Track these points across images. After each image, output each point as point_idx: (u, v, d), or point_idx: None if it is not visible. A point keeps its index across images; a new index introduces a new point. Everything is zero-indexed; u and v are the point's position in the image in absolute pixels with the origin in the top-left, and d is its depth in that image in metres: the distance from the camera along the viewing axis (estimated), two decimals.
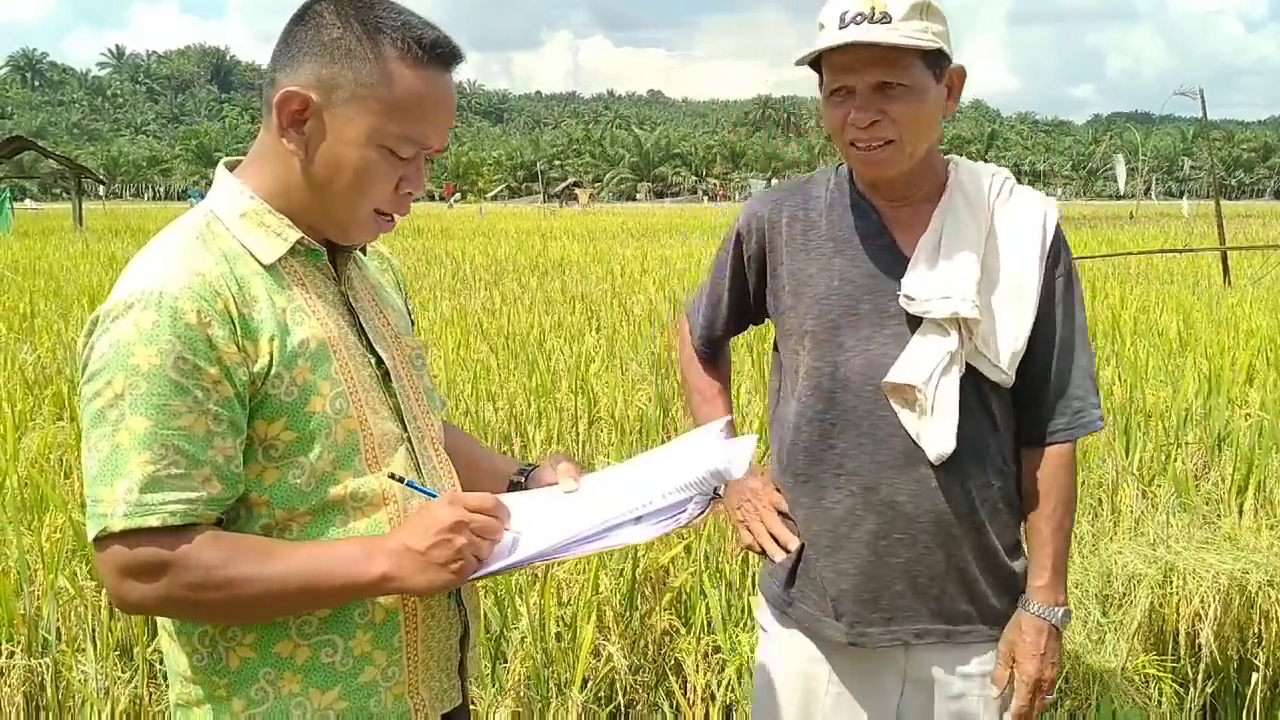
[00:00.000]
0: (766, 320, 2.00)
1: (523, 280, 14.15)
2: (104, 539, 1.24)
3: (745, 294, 1.98)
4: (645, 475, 1.47)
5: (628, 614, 3.32)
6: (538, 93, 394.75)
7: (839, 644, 1.85)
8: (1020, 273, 1.80)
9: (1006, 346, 1.79)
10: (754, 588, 3.33)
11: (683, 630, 3.30)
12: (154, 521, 1.22)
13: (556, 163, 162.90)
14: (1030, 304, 1.80)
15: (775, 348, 1.99)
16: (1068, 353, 1.84)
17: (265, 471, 1.32)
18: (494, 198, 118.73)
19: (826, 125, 1.79)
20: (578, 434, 5.26)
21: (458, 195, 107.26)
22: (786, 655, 1.93)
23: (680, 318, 2.14)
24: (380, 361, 1.44)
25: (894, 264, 1.81)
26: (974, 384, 1.78)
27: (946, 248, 1.79)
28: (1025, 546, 1.90)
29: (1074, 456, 1.88)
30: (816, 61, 1.76)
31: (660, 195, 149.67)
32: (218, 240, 1.34)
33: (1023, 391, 1.84)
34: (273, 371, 1.30)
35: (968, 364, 1.77)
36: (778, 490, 1.91)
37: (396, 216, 1.42)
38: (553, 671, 3.05)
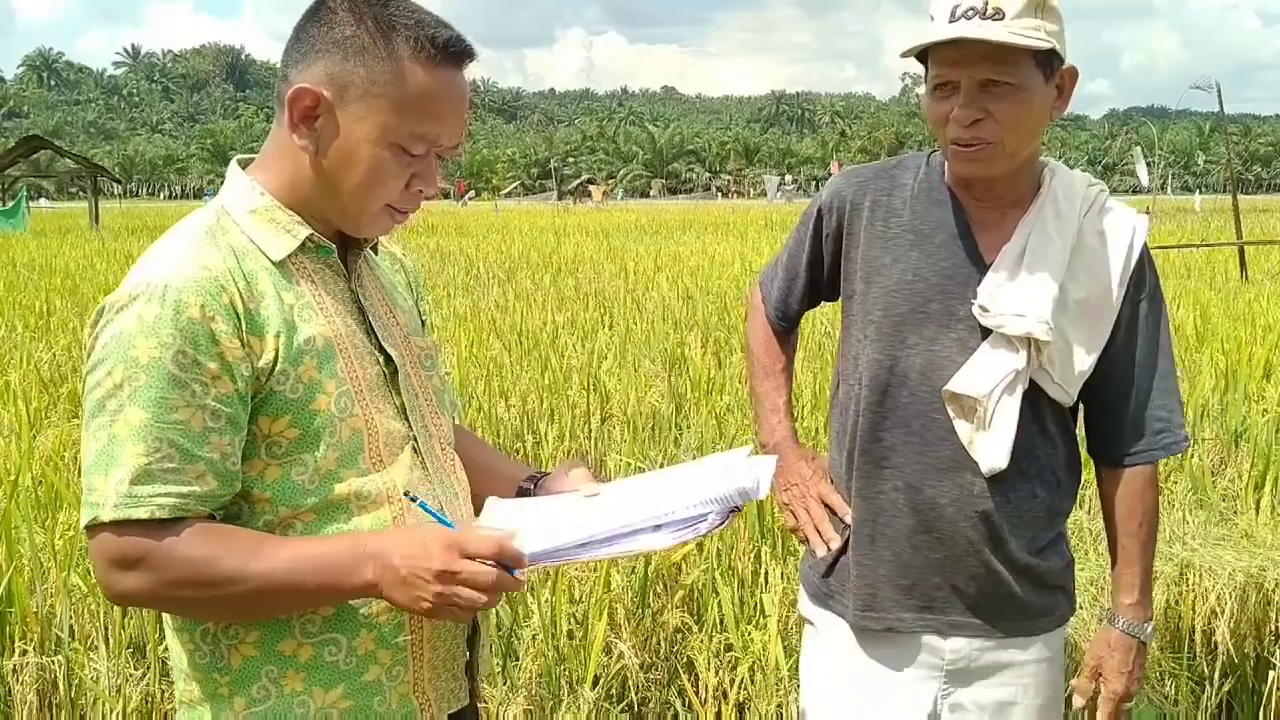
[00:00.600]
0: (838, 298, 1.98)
1: (536, 277, 14.15)
2: (94, 528, 1.25)
3: (820, 270, 1.96)
4: (668, 487, 1.46)
5: (640, 611, 3.31)
6: (551, 90, 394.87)
7: (876, 632, 1.84)
8: (1099, 295, 1.77)
9: (1072, 368, 1.76)
10: (766, 585, 3.32)
11: (695, 628, 3.29)
12: (142, 514, 1.23)
13: (570, 160, 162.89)
14: (1105, 328, 1.77)
15: (843, 330, 1.95)
16: (1148, 375, 1.81)
17: (268, 469, 1.32)
18: (508, 195, 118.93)
19: (929, 119, 1.75)
20: (590, 431, 5.25)
21: (471, 193, 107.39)
22: (829, 644, 1.92)
23: (753, 287, 2.12)
24: (389, 360, 1.43)
25: (971, 266, 1.77)
26: (1032, 397, 1.75)
27: (1030, 261, 1.74)
28: (1112, 562, 1.90)
29: (1156, 476, 1.88)
30: (924, 54, 1.71)
31: (674, 192, 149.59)
32: (227, 236, 1.35)
33: (1097, 411, 1.84)
34: (278, 368, 1.30)
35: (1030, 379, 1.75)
36: (830, 481, 1.92)
37: (407, 213, 1.42)
38: (564, 669, 3.05)
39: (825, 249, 1.92)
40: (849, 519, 1.86)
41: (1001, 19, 1.60)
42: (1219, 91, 15.47)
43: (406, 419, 1.43)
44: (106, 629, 3.16)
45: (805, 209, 1.98)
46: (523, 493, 1.62)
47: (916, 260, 1.79)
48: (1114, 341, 1.78)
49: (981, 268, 1.76)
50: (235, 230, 1.35)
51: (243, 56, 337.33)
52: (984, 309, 1.73)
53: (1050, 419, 1.79)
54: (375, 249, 1.55)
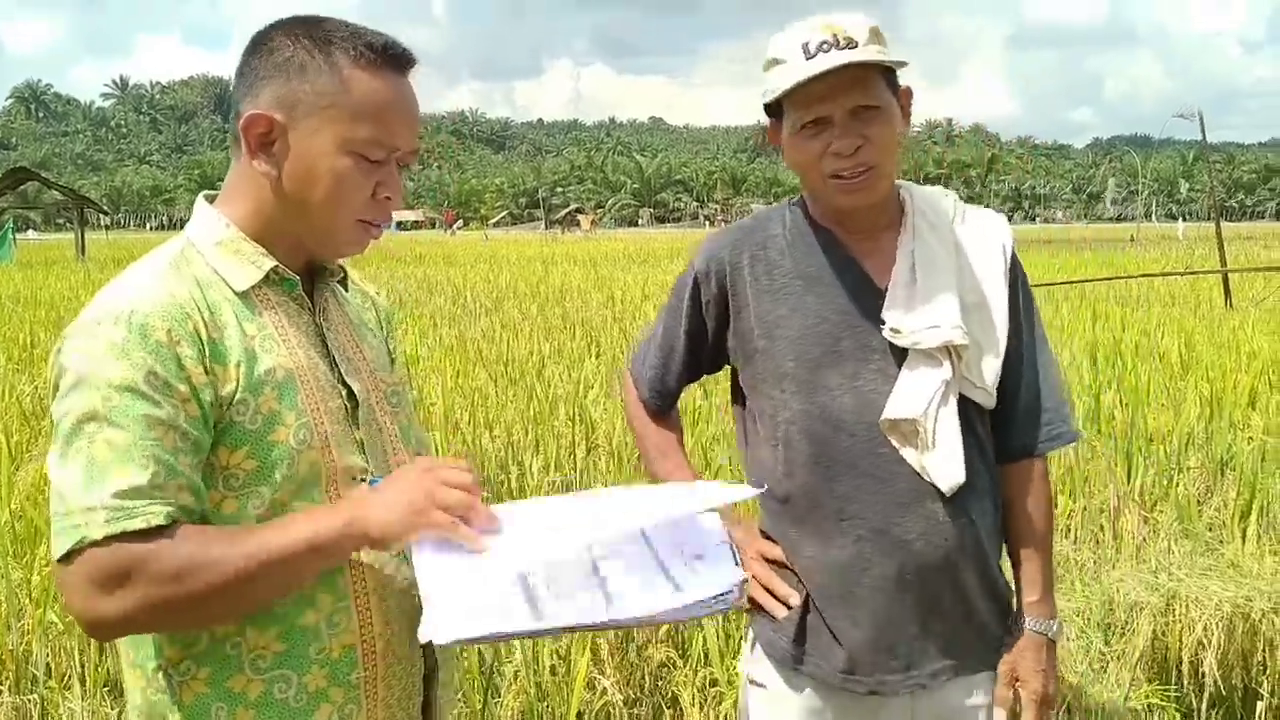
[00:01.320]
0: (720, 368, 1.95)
1: (523, 307, 14.15)
2: (77, 552, 1.20)
3: (703, 341, 1.90)
4: (651, 505, 1.43)
5: (624, 646, 3.28)
6: (539, 120, 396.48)
7: (859, 695, 1.78)
8: (989, 296, 1.80)
9: (989, 368, 1.77)
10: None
11: (680, 662, 3.26)
12: (138, 523, 1.20)
13: (559, 189, 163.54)
14: (1002, 324, 1.80)
15: (735, 395, 1.93)
16: (1035, 367, 1.85)
17: (224, 501, 1.30)
18: (496, 224, 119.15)
19: (797, 162, 1.74)
20: (575, 462, 5.22)
21: (459, 222, 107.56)
22: (791, 711, 1.85)
23: (624, 376, 2.05)
24: (352, 394, 1.43)
25: (869, 297, 1.77)
26: (961, 407, 1.75)
27: (923, 275, 1.76)
28: (1012, 563, 1.89)
29: (1048, 470, 1.90)
30: (774, 102, 1.72)
31: (662, 220, 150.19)
32: (191, 267, 1.35)
33: (999, 410, 1.82)
34: (238, 397, 1.29)
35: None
36: (766, 537, 1.85)
37: (381, 225, 1.43)
38: (547, 706, 3.01)
39: (707, 316, 1.87)
40: (795, 566, 1.81)
41: (855, 48, 1.64)
42: (1201, 120, 15.62)
43: (363, 453, 1.42)
44: (83, 667, 3.11)
45: (675, 282, 1.92)
46: None
47: (814, 304, 1.77)
48: (1010, 338, 1.81)
49: (878, 295, 1.76)
50: (200, 261, 1.36)
51: (231, 88, 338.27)
52: (896, 331, 1.72)
53: (979, 426, 1.79)
54: (345, 285, 1.55)
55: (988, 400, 1.78)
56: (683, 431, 2.05)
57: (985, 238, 1.83)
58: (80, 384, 1.23)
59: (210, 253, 1.37)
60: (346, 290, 1.56)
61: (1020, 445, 1.85)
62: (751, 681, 1.90)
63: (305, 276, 1.45)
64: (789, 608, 1.78)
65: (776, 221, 1.87)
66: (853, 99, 1.66)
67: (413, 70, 1.40)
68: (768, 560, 1.83)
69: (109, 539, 1.19)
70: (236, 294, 1.35)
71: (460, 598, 1.25)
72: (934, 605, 1.76)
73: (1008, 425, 1.85)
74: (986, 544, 1.80)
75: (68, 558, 1.20)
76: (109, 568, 1.20)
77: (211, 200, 1.45)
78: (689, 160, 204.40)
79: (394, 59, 1.37)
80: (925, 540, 1.73)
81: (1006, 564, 1.89)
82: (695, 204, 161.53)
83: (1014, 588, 1.88)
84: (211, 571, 1.21)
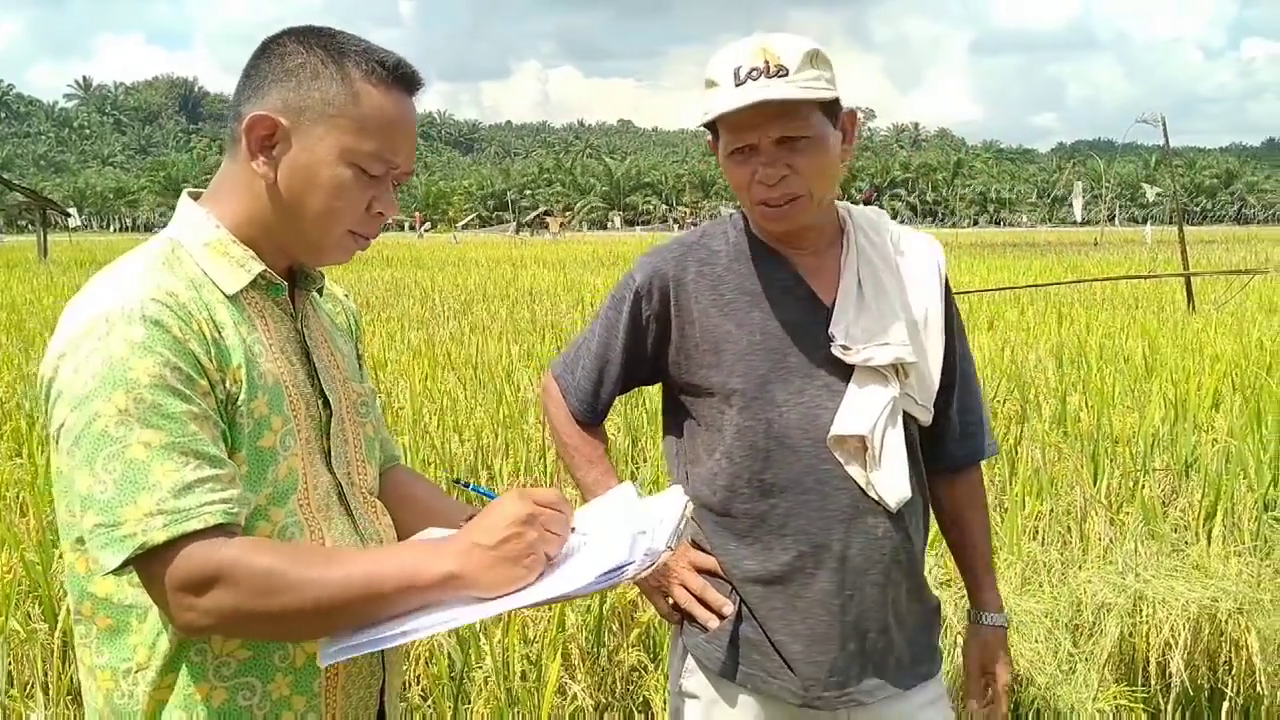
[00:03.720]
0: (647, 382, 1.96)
1: (492, 309, 14.10)
2: (145, 558, 1.17)
3: (641, 355, 1.87)
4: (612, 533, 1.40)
5: (595, 651, 3.26)
6: (508, 122, 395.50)
7: (791, 706, 1.80)
8: (928, 313, 1.83)
9: (929, 386, 1.82)
10: None
11: (651, 667, 3.25)
12: (196, 525, 1.17)
13: (527, 192, 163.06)
14: (940, 341, 1.84)
15: (670, 409, 1.92)
16: (967, 382, 1.93)
17: None
18: (465, 227, 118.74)
19: (731, 183, 1.75)
20: (545, 466, 5.20)
21: (427, 225, 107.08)
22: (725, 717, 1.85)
23: (546, 380, 2.03)
24: (327, 404, 1.42)
25: (815, 313, 1.78)
26: (905, 426, 1.78)
27: (869, 292, 1.78)
28: (961, 565, 2.02)
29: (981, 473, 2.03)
30: (712, 121, 1.73)
31: (631, 223, 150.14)
32: (183, 266, 1.33)
33: (933, 425, 1.87)
34: (240, 399, 1.28)
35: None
36: (698, 548, 1.85)
37: (369, 238, 1.42)
38: (517, 711, 3.00)
39: (648, 331, 1.85)
40: (727, 576, 1.82)
41: (786, 75, 1.63)
42: (1164, 125, 15.80)
43: (328, 466, 1.41)
44: (46, 675, 3.06)
45: (612, 293, 1.90)
46: None
47: (760, 319, 1.78)
48: (949, 353, 1.86)
49: (823, 311, 1.78)
50: (190, 262, 1.34)
51: (195, 89, 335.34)
52: (846, 348, 1.73)
53: (916, 441, 1.83)
54: (320, 291, 1.54)
55: (926, 417, 1.83)
56: (608, 441, 2.04)
57: (922, 257, 1.87)
58: (103, 386, 1.19)
59: (199, 253, 1.35)
60: (321, 296, 1.55)
61: (964, 455, 1.94)
62: (683, 693, 1.89)
63: (288, 281, 1.44)
64: (722, 617, 1.78)
65: (719, 237, 1.87)
66: (777, 129, 1.67)
67: (419, 90, 1.40)
68: (700, 570, 1.83)
69: (171, 544, 1.16)
70: (226, 296, 1.33)
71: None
72: (873, 621, 1.78)
73: (947, 438, 1.92)
74: (919, 558, 1.85)
75: (137, 564, 1.18)
76: (186, 576, 1.17)
77: (195, 198, 1.41)
78: (658, 163, 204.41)
79: (404, 78, 1.37)
80: (864, 555, 1.75)
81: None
82: (665, 207, 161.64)
83: (967, 587, 2.00)
84: (301, 593, 1.19)
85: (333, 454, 1.42)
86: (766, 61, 1.64)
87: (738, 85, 1.65)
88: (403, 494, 1.60)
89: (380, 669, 1.45)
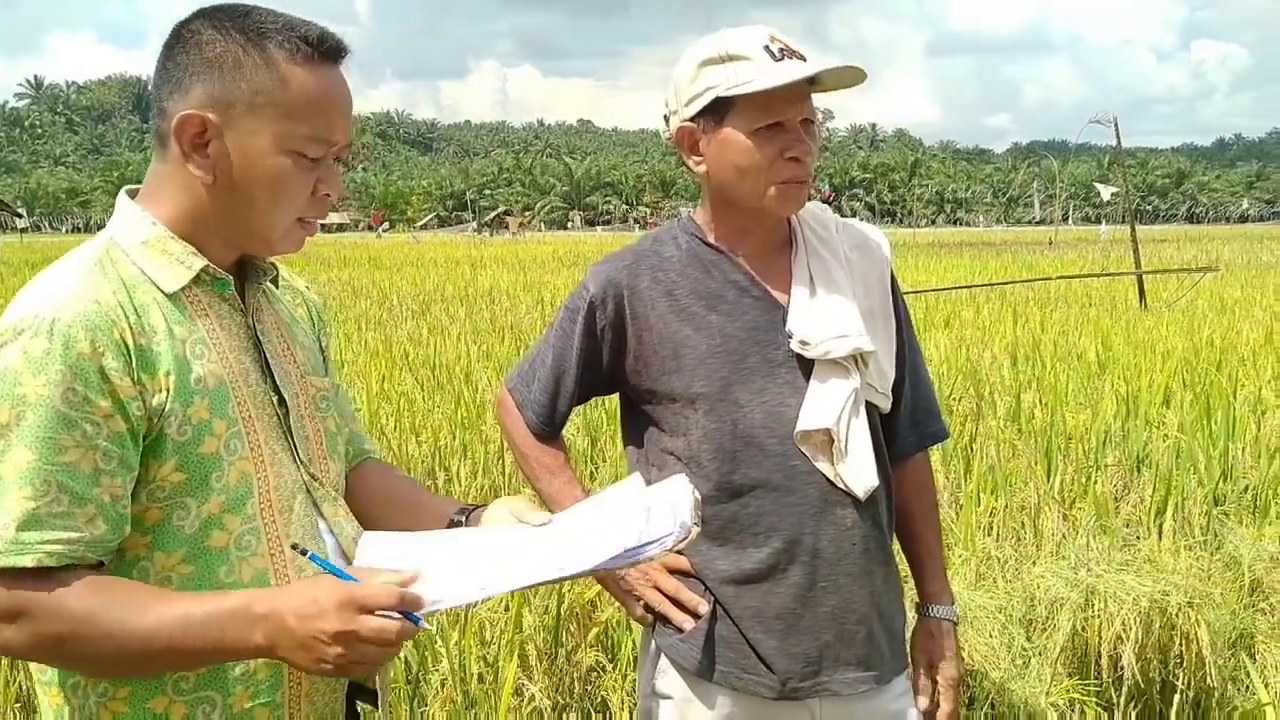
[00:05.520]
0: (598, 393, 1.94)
1: (451, 310, 14.03)
2: None
3: (598, 366, 1.85)
4: (599, 528, 1.42)
5: (552, 651, 3.25)
6: (467, 122, 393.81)
7: (766, 700, 1.79)
8: (877, 303, 1.85)
9: (886, 373, 1.83)
10: None
11: (609, 667, 3.24)
12: (28, 561, 1.15)
13: (487, 191, 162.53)
14: (891, 329, 1.86)
15: (630, 419, 1.91)
16: (915, 369, 1.94)
17: (148, 512, 1.25)
18: (424, 227, 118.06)
19: (740, 165, 1.73)
20: (504, 467, 5.17)
21: (386, 225, 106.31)
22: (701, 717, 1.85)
23: (501, 395, 2.00)
24: (283, 400, 1.38)
25: (771, 312, 1.79)
26: (868, 415, 1.80)
27: (821, 287, 1.79)
28: (909, 555, 2.01)
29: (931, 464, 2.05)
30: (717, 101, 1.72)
31: (592, 224, 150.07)
32: (117, 267, 1.29)
33: (890, 412, 1.88)
34: (168, 408, 1.24)
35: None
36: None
37: (317, 222, 1.39)
38: (474, 714, 2.97)
39: (603, 341, 1.83)
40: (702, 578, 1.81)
41: (805, 61, 1.69)
42: (1116, 126, 16.02)
43: (298, 462, 1.38)
44: None
45: (566, 305, 1.88)
46: (453, 526, 1.56)
47: (718, 323, 1.77)
48: (899, 342, 1.88)
49: (779, 310, 1.78)
50: (125, 261, 1.30)
51: (149, 88, 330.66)
52: (805, 343, 1.74)
53: (878, 430, 1.83)
54: (276, 282, 1.49)
55: (886, 404, 1.84)
56: (568, 449, 2.02)
57: (868, 248, 1.89)
58: None
59: (136, 252, 1.30)
60: (277, 287, 1.51)
61: (913, 442, 1.95)
62: (656, 694, 1.88)
63: (236, 275, 1.39)
64: (697, 617, 1.78)
65: (670, 243, 1.86)
66: (805, 110, 1.71)
67: (346, 58, 1.36)
68: (673, 571, 1.82)
69: (2, 571, 1.15)
70: (165, 295, 1.29)
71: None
72: (849, 611, 1.78)
73: (896, 425, 1.92)
74: (890, 546, 1.87)
75: None
76: (4, 602, 1.16)
77: (134, 195, 1.37)
78: (618, 163, 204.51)
79: (329, 51, 1.33)
80: (836, 547, 1.76)
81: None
82: (625, 207, 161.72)
83: (914, 578, 1.98)
84: (107, 643, 1.17)
85: (299, 451, 1.39)
86: (785, 46, 1.67)
87: (776, 60, 1.66)
88: (378, 489, 1.57)
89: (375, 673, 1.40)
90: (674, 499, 1.40)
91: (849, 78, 1.71)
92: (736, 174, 1.74)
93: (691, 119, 1.76)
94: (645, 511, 1.39)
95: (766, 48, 1.67)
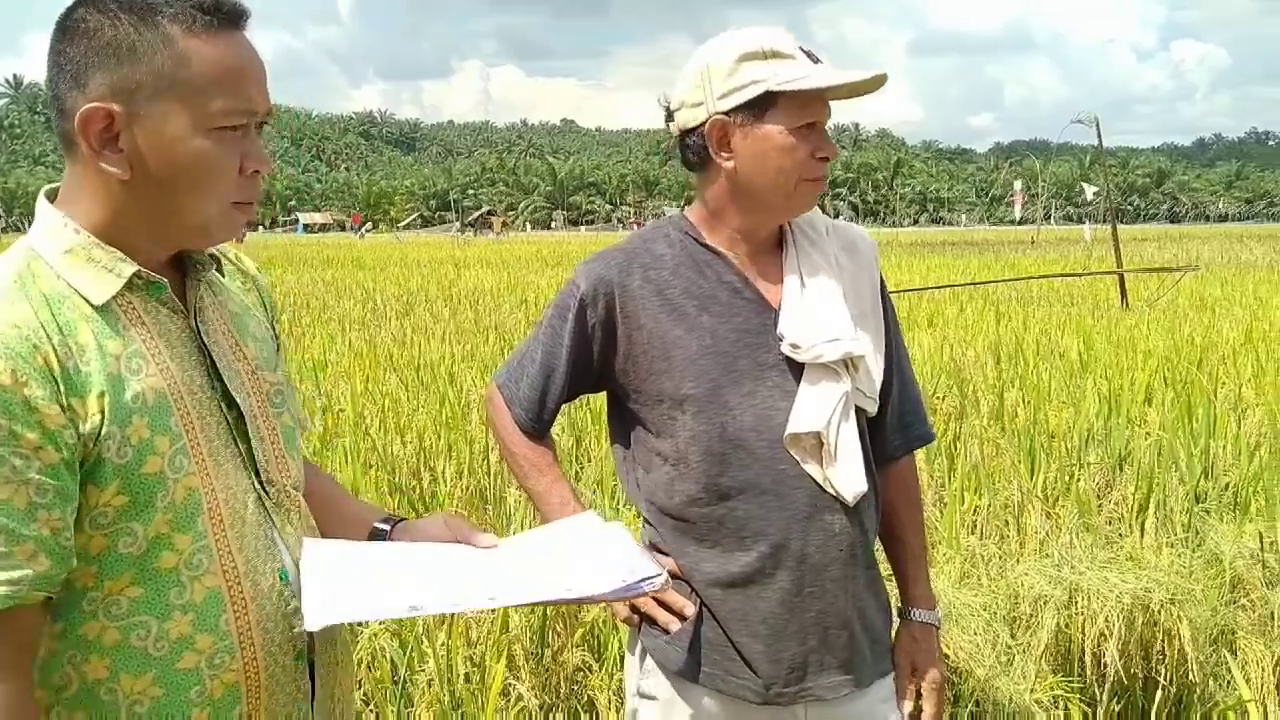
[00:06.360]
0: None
1: (435, 310, 14.00)
2: None
3: (587, 364, 1.84)
4: (556, 558, 1.46)
5: (539, 651, 3.25)
6: (450, 121, 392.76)
7: (751, 704, 1.80)
8: (868, 305, 1.86)
9: (875, 376, 1.83)
10: None
11: (596, 667, 3.24)
12: None
13: (470, 191, 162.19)
14: (880, 332, 1.86)
15: (617, 417, 1.91)
16: (902, 372, 1.95)
17: (92, 540, 1.19)
18: (407, 227, 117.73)
19: (776, 163, 1.73)
20: (489, 467, 5.16)
21: (368, 225, 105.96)
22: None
23: (490, 392, 1.99)
24: (233, 404, 1.31)
25: (763, 314, 1.79)
26: (857, 419, 1.80)
27: (812, 290, 1.79)
28: (893, 558, 2.01)
29: (916, 467, 2.04)
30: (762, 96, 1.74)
31: (575, 223, 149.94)
32: (39, 282, 1.20)
33: (875, 416, 1.88)
34: (104, 431, 1.16)
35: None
36: (656, 549, 1.83)
37: (252, 204, 1.31)
38: (461, 714, 2.97)
39: (594, 339, 1.82)
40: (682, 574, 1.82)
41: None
42: (1098, 126, 16.11)
43: (252, 470, 1.32)
44: None
45: (555, 302, 1.87)
46: (375, 535, 1.52)
47: (710, 324, 1.77)
48: (886, 344, 1.88)
49: (770, 312, 1.78)
50: (48, 275, 1.21)
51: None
52: (796, 347, 1.74)
53: (866, 434, 1.84)
54: (220, 269, 1.40)
55: (873, 407, 1.84)
56: (556, 447, 2.02)
57: (857, 250, 1.89)
58: None
59: (59, 263, 1.21)
60: (224, 275, 1.42)
61: (902, 443, 1.96)
62: (641, 695, 1.89)
63: (174, 272, 1.30)
64: (683, 619, 1.77)
65: (662, 242, 1.85)
66: (828, 112, 1.76)
67: (247, 21, 1.26)
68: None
69: None
70: (95, 308, 1.20)
71: (341, 590, 1.29)
72: (833, 616, 1.79)
73: (883, 428, 1.92)
74: (873, 550, 1.87)
75: None
76: None
77: (53, 196, 1.27)
78: (602, 163, 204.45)
79: (227, 16, 1.23)
80: (823, 552, 1.76)
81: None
82: (609, 207, 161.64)
83: (898, 582, 1.98)
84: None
85: (257, 456, 1.33)
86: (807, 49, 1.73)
87: (816, 62, 1.72)
88: (310, 490, 1.51)
89: (306, 684, 1.37)
90: (633, 543, 1.48)
91: (871, 85, 1.74)
92: (773, 170, 1.74)
93: (726, 112, 1.74)
94: (628, 547, 1.47)
95: (801, 49, 1.71)
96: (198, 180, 1.23)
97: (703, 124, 1.76)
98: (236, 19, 1.25)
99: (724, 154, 1.77)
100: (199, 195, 1.23)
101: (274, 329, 1.50)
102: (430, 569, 1.39)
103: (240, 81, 1.23)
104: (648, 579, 1.38)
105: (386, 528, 1.52)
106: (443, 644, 3.09)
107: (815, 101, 1.72)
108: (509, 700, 3.05)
